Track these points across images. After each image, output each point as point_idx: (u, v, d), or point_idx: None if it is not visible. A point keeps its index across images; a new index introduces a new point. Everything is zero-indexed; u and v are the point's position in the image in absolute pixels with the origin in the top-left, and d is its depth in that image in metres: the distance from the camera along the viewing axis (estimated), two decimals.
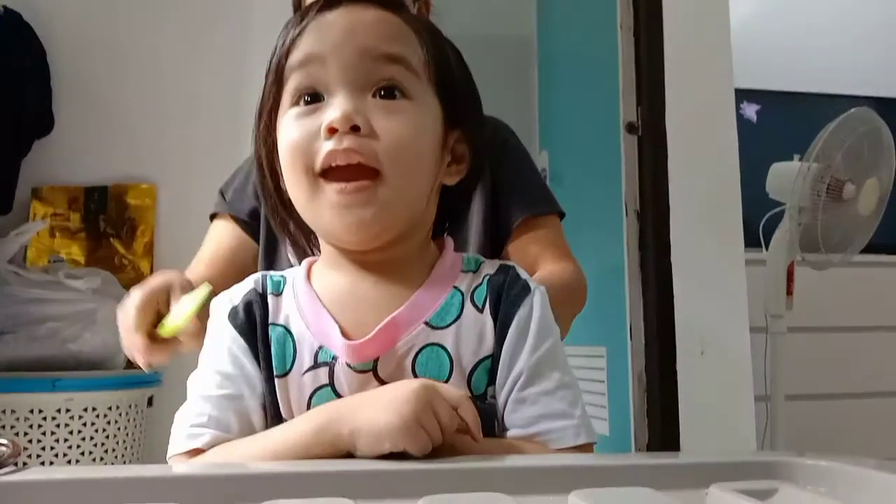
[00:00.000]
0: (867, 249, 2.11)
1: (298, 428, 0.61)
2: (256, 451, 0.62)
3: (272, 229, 1.06)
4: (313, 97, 0.67)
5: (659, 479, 0.53)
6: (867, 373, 2.55)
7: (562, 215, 1.15)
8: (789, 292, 2.02)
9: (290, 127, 0.67)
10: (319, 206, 0.66)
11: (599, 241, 2.03)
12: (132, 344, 0.84)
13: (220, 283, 0.95)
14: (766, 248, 2.05)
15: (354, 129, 0.64)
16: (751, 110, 2.84)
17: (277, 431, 0.63)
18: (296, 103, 0.68)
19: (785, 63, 2.85)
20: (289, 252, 1.07)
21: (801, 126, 2.23)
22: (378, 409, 0.58)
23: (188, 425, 0.65)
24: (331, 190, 0.65)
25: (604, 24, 2.00)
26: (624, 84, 1.92)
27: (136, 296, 0.84)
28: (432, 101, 0.69)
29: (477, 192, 1.09)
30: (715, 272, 1.83)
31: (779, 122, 2.80)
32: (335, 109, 0.65)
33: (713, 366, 1.78)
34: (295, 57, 0.68)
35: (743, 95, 2.68)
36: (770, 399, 1.96)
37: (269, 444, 0.61)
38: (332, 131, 0.64)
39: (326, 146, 0.64)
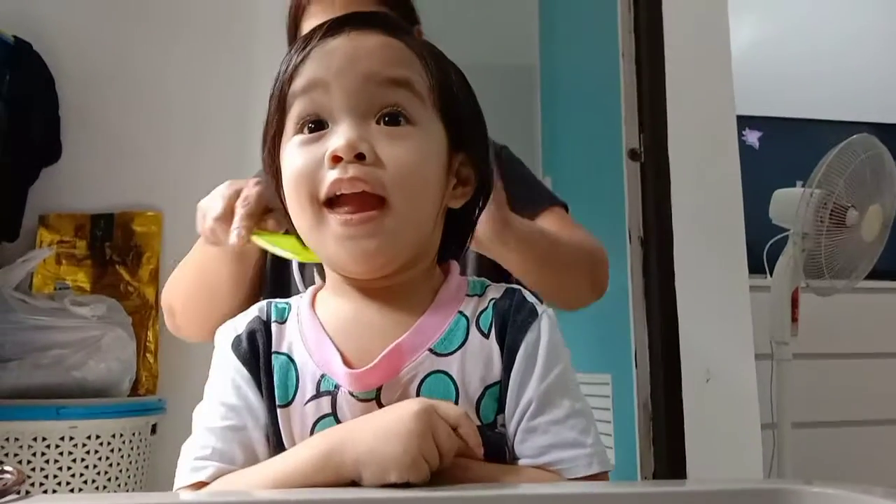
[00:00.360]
0: (871, 275, 2.10)
1: (300, 456, 0.61)
2: (259, 481, 0.61)
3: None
4: (317, 124, 0.66)
5: None
6: (874, 400, 2.53)
7: (565, 207, 1.16)
8: (794, 319, 2.01)
9: (294, 155, 0.66)
10: (324, 236, 0.66)
11: None
12: (227, 211, 0.91)
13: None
14: (771, 274, 2.04)
15: (359, 157, 0.63)
16: (753, 137, 2.85)
17: (279, 460, 0.62)
18: (300, 130, 0.67)
19: (787, 90, 2.87)
20: (295, 275, 1.07)
21: (804, 152, 2.24)
22: (380, 438, 0.57)
23: (192, 458, 0.65)
24: (335, 220, 0.64)
25: (605, 52, 2.02)
26: (626, 111, 1.93)
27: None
28: (437, 126, 0.69)
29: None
30: (719, 299, 1.83)
31: (781, 148, 2.81)
32: (339, 137, 0.64)
33: (719, 393, 1.77)
34: (298, 83, 0.67)
35: (745, 122, 2.69)
36: (777, 426, 1.94)
37: (270, 474, 0.61)
38: (336, 160, 0.63)
39: (331, 175, 0.64)
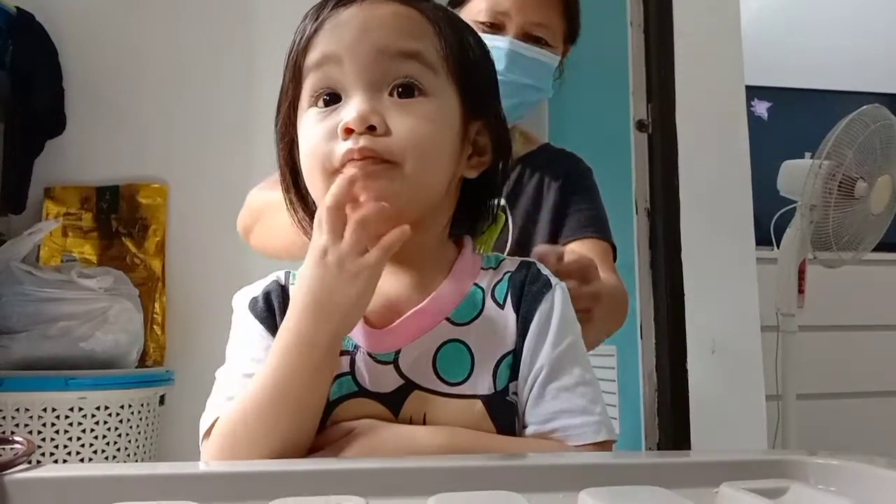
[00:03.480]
0: (879, 247, 2.09)
1: (288, 326, 0.63)
2: (257, 386, 0.63)
3: None
4: (332, 97, 0.67)
5: (669, 478, 0.52)
6: (879, 371, 2.54)
7: (613, 248, 1.17)
8: (801, 291, 2.01)
9: (310, 128, 0.67)
10: None
11: None
12: None
13: None
14: (778, 246, 2.04)
15: (370, 128, 0.64)
16: (762, 107, 2.83)
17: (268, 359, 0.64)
18: (314, 103, 0.68)
19: (796, 60, 2.83)
20: None
21: (813, 123, 2.22)
22: (343, 283, 0.61)
23: (212, 405, 0.67)
24: (345, 170, 0.64)
25: (614, 21, 2.00)
26: (634, 82, 1.92)
27: None
28: (450, 95, 0.69)
29: (542, 214, 1.14)
30: (726, 271, 1.83)
31: (790, 119, 2.79)
32: (351, 110, 0.65)
33: (724, 365, 1.78)
34: (312, 57, 0.68)
35: (754, 93, 2.66)
36: (781, 398, 1.95)
37: (266, 372, 0.63)
38: (348, 132, 0.64)
39: (343, 146, 0.64)
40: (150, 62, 2.28)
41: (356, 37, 0.66)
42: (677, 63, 1.87)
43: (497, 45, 1.07)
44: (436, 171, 0.68)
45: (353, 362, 0.66)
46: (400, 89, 0.66)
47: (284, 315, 0.68)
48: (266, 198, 1.10)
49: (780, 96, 2.83)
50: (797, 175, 1.97)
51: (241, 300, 0.72)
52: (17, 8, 2.16)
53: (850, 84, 2.82)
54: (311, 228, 0.74)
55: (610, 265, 1.13)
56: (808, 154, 2.00)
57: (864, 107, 1.96)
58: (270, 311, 0.69)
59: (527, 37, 1.12)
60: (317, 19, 0.69)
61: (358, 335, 0.66)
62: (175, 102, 2.26)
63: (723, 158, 1.86)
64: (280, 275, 0.73)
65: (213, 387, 0.69)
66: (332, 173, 0.65)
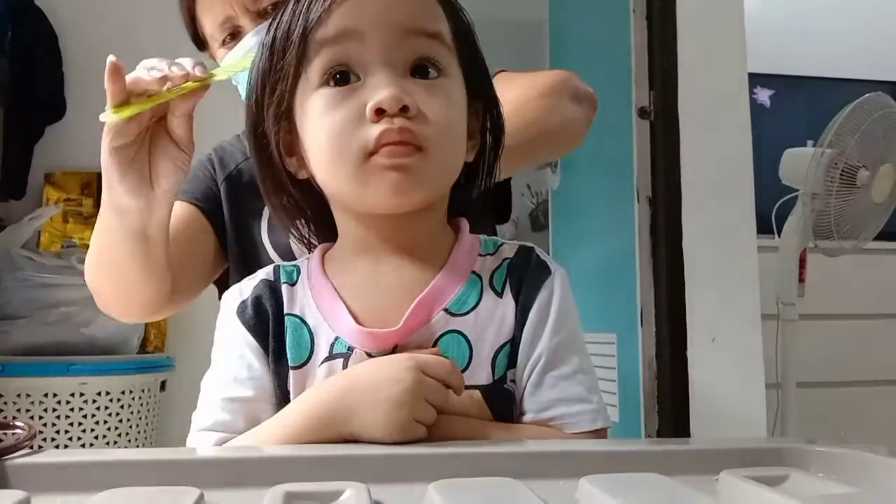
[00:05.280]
0: (881, 236, 2.09)
1: (296, 424, 0.61)
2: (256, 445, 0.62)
3: (243, 233, 1.02)
4: (343, 75, 0.64)
5: (669, 466, 0.53)
6: (879, 360, 2.54)
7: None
8: (801, 279, 2.01)
9: (326, 112, 0.64)
10: (366, 175, 0.63)
11: (610, 227, 2.02)
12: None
13: (176, 260, 0.91)
14: (779, 234, 2.03)
15: (403, 109, 0.62)
16: (764, 95, 2.82)
17: (276, 426, 0.62)
18: (325, 83, 0.64)
19: (799, 47, 2.82)
20: (266, 244, 1.03)
21: (815, 111, 2.21)
22: (372, 412, 0.58)
23: (197, 429, 0.66)
24: (381, 155, 0.62)
25: (616, 7, 1.98)
26: (636, 69, 1.91)
27: None
28: (461, 76, 0.68)
29: None
30: (727, 258, 1.82)
31: (793, 107, 2.78)
32: (381, 90, 0.62)
33: (724, 353, 1.78)
34: (328, 31, 0.64)
35: (756, 80, 2.65)
36: (781, 386, 1.95)
37: (268, 439, 0.62)
38: (379, 112, 0.62)
39: (377, 128, 0.62)
40: (151, 46, 2.26)
41: (381, 13, 0.64)
42: (679, 50, 1.86)
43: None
44: (457, 157, 0.68)
45: (346, 364, 0.65)
46: (420, 70, 0.65)
47: (276, 321, 0.67)
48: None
49: (782, 84, 2.82)
50: (799, 163, 1.97)
51: (230, 302, 0.70)
52: None
53: (854, 72, 2.81)
54: (304, 236, 0.74)
55: (518, 75, 1.03)
56: (810, 142, 2.00)
57: (867, 95, 1.96)
58: (260, 317, 0.67)
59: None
60: None
61: (353, 337, 0.65)
62: None
63: (725, 146, 1.86)
64: (269, 271, 0.71)
65: (199, 397, 0.68)
66: (365, 158, 0.62)
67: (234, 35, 1.02)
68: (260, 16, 1.00)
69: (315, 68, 0.65)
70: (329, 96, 0.64)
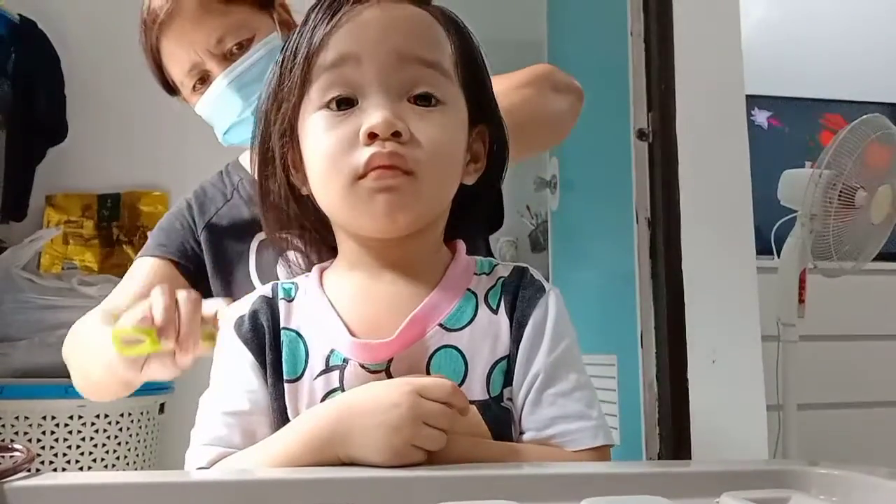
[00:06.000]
0: (879, 257, 2.09)
1: (293, 448, 0.61)
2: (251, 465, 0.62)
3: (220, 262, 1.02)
4: (345, 100, 0.65)
5: (670, 488, 0.52)
6: (880, 381, 2.53)
7: None
8: (801, 300, 2.01)
9: (323, 131, 0.65)
10: (355, 197, 0.64)
11: (610, 249, 2.02)
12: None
13: None
14: (778, 255, 2.04)
15: (395, 134, 0.63)
16: (762, 117, 2.83)
17: (273, 448, 0.62)
18: (326, 105, 0.66)
19: (796, 69, 2.84)
20: (252, 273, 1.02)
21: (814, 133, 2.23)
22: (368, 430, 0.58)
23: (195, 445, 0.66)
24: (369, 178, 0.63)
25: (614, 30, 2.00)
26: (634, 91, 1.92)
27: None
28: (461, 102, 0.69)
29: None
30: (726, 280, 1.82)
31: (791, 128, 2.79)
32: (375, 115, 0.63)
33: (724, 374, 1.77)
34: (328, 56, 0.66)
35: (754, 102, 2.67)
36: (782, 408, 1.94)
37: (265, 460, 0.62)
38: (371, 137, 0.63)
39: (368, 151, 0.63)
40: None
41: (378, 38, 0.65)
42: (678, 72, 1.87)
43: None
44: (449, 183, 0.69)
45: (342, 376, 0.65)
46: (419, 98, 0.65)
47: (273, 335, 0.67)
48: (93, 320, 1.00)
49: (780, 105, 2.84)
50: (797, 184, 1.98)
51: (231, 319, 0.70)
52: (20, 15, 2.17)
53: (851, 93, 2.82)
54: (293, 230, 0.74)
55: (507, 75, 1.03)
56: (808, 163, 2.01)
57: (865, 116, 1.97)
58: (257, 331, 0.68)
59: None
60: (333, 16, 0.67)
61: (348, 349, 0.66)
62: (176, 110, 2.25)
63: (723, 167, 1.86)
64: (267, 289, 0.72)
65: (197, 415, 0.68)
66: (354, 180, 0.64)
67: (203, 80, 1.03)
68: (225, 58, 1.01)
69: (316, 90, 0.66)
70: (328, 118, 0.66)
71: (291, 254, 0.78)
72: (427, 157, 0.64)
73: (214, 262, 1.03)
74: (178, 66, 1.03)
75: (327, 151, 0.65)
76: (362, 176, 0.64)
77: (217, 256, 1.04)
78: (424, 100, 0.66)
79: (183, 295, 0.73)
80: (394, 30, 0.66)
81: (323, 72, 0.66)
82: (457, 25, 0.71)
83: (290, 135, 0.69)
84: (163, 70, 1.06)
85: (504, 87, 0.95)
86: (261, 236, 1.01)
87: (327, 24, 0.67)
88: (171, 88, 1.09)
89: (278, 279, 0.79)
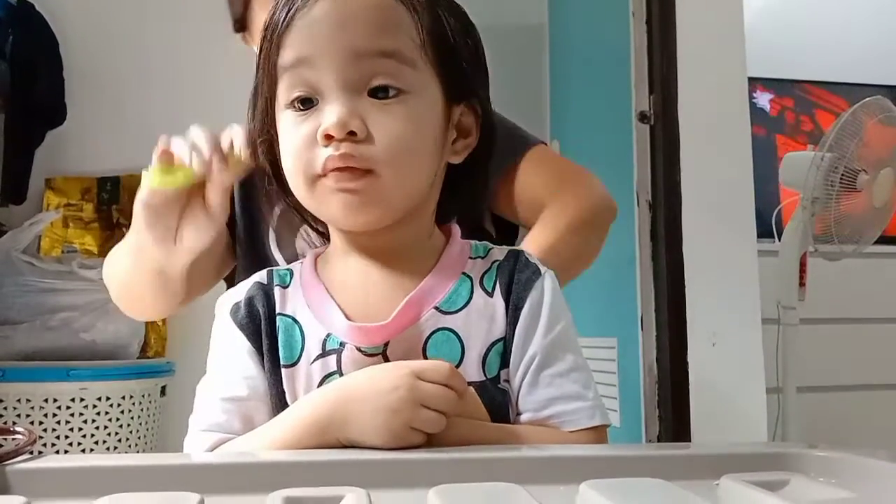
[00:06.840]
0: (881, 240, 2.09)
1: (290, 434, 0.61)
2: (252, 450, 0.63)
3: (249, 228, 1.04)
4: (306, 100, 0.66)
5: (670, 470, 0.52)
6: (880, 364, 2.54)
7: (545, 144, 1.10)
8: (802, 283, 2.01)
9: (288, 131, 0.66)
10: (321, 195, 0.65)
11: (611, 232, 2.01)
12: None
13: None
14: (779, 238, 2.03)
15: (351, 133, 0.63)
16: (764, 99, 2.82)
17: (273, 431, 0.63)
18: (291, 104, 0.66)
19: (799, 51, 2.82)
20: (272, 250, 1.03)
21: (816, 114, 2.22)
22: (368, 420, 0.58)
23: (194, 431, 0.66)
24: (329, 178, 0.64)
25: (616, 12, 1.99)
26: (636, 73, 1.91)
27: None
28: (432, 85, 0.67)
29: None
30: (727, 263, 1.82)
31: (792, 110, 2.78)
32: (331, 114, 0.63)
33: (725, 357, 1.77)
34: (285, 57, 0.66)
35: (756, 84, 2.66)
36: (782, 391, 1.95)
37: (263, 446, 0.62)
38: (328, 138, 0.63)
39: (324, 153, 0.63)
40: (152, 52, 2.27)
41: (330, 36, 0.64)
42: (679, 54, 1.86)
43: None
44: (416, 174, 0.67)
45: (339, 360, 0.66)
46: (378, 91, 0.64)
47: (269, 321, 0.68)
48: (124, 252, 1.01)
49: (782, 88, 2.82)
50: (799, 167, 1.97)
51: (223, 306, 0.71)
52: None
53: (854, 76, 2.81)
54: (315, 223, 0.75)
55: (554, 156, 1.06)
56: (810, 146, 2.00)
57: (868, 98, 1.96)
58: (253, 317, 0.68)
59: None
60: (288, 12, 0.66)
61: (345, 333, 0.66)
62: (176, 92, 2.25)
63: (725, 150, 1.86)
64: (263, 275, 0.72)
65: (195, 402, 0.68)
66: (314, 180, 0.65)
67: None
68: None
69: (281, 90, 0.67)
70: (292, 117, 0.66)
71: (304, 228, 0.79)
72: (385, 153, 0.63)
73: (242, 222, 1.05)
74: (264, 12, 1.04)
75: (292, 150, 0.66)
76: (322, 175, 0.64)
77: (245, 215, 1.04)
78: (383, 92, 0.64)
79: (197, 130, 0.85)
80: (346, 24, 0.64)
81: (284, 72, 0.67)
82: (426, 1, 0.68)
83: (273, 127, 0.70)
84: (248, 7, 1.08)
85: (558, 233, 1.00)
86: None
87: (283, 21, 0.66)
88: (242, 26, 1.11)
89: (296, 249, 0.83)
